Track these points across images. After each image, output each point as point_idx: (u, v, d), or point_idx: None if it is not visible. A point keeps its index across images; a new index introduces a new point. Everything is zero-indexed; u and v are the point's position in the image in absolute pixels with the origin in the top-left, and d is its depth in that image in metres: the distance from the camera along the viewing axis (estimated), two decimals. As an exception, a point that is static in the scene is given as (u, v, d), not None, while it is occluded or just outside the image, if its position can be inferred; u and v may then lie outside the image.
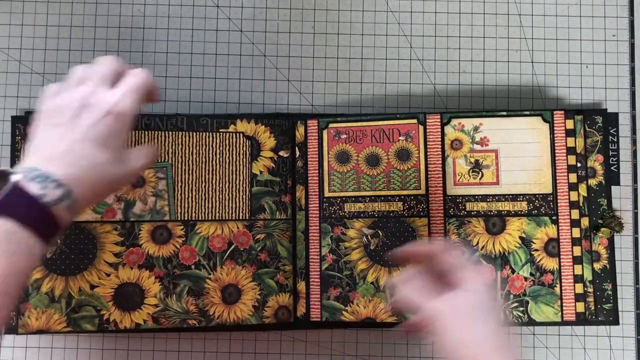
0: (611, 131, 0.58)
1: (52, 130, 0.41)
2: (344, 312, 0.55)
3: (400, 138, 0.56)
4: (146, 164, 0.45)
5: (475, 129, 0.56)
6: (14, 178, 0.37)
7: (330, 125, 0.56)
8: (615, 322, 0.55)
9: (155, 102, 0.47)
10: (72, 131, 0.40)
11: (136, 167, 0.44)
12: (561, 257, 0.55)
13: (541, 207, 0.55)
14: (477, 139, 0.56)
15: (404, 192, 0.56)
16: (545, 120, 0.55)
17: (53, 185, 0.37)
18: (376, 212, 0.56)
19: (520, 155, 0.56)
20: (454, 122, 0.56)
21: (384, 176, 0.56)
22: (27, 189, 0.36)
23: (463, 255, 0.44)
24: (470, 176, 0.56)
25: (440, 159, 0.56)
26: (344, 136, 0.56)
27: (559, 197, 0.56)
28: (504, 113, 0.56)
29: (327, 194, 0.56)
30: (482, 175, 0.56)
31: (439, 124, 0.56)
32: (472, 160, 0.56)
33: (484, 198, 0.56)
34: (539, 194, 0.55)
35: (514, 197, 0.56)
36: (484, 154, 0.56)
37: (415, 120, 0.56)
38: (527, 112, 0.56)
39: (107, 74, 0.43)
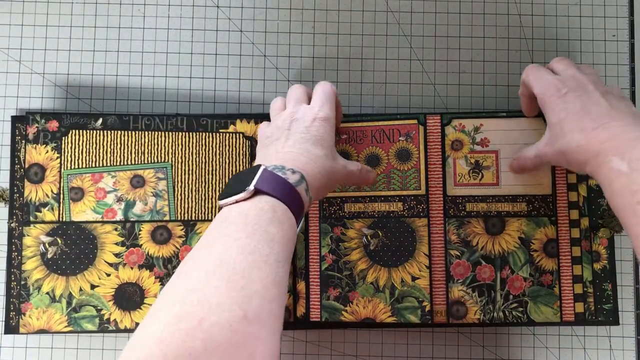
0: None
1: (272, 144, 0.48)
2: (343, 312, 0.55)
3: (401, 138, 0.56)
4: (357, 173, 0.52)
5: (476, 129, 0.56)
6: (261, 167, 0.43)
7: None
8: (615, 322, 0.55)
9: (339, 108, 0.53)
10: (289, 138, 0.47)
11: (347, 167, 0.50)
12: (560, 257, 0.55)
13: (540, 208, 0.55)
14: (478, 139, 0.56)
15: (404, 193, 0.56)
16: (545, 122, 0.55)
17: (290, 172, 0.43)
18: (376, 212, 0.56)
19: None
20: (455, 122, 0.56)
21: (384, 176, 0.56)
22: (275, 173, 0.43)
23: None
24: (470, 177, 0.56)
25: (441, 159, 0.56)
26: (344, 136, 0.56)
27: (557, 198, 0.56)
28: (504, 114, 0.56)
29: (327, 194, 0.56)
30: (482, 176, 0.56)
31: (439, 124, 0.56)
32: (473, 161, 0.56)
33: (484, 199, 0.56)
34: (538, 195, 0.55)
35: (514, 198, 0.56)
36: (484, 154, 0.56)
37: (415, 121, 0.56)
38: None
39: (300, 95, 0.51)
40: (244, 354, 0.32)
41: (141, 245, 0.55)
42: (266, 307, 0.35)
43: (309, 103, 0.51)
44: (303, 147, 0.46)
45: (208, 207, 0.56)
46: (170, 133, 0.56)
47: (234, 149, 0.56)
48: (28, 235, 0.54)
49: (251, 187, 0.41)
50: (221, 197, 0.43)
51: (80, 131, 0.56)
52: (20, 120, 0.56)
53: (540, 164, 0.52)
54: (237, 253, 0.37)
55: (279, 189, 0.42)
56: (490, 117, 0.56)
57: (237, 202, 0.41)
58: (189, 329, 0.31)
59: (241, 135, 0.57)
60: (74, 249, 0.55)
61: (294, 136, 0.47)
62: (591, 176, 0.47)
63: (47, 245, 0.54)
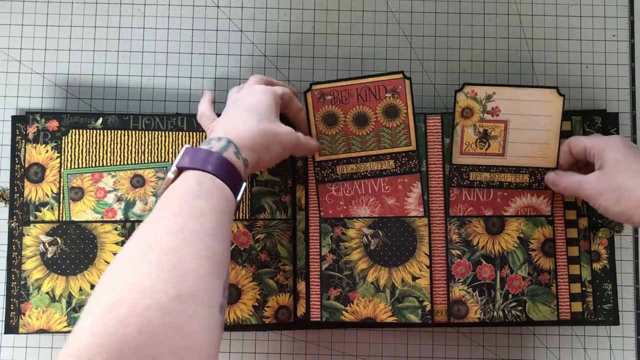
0: (611, 131, 0.58)
1: (226, 115, 0.50)
2: (344, 312, 0.55)
3: (387, 95, 0.55)
4: (304, 139, 0.52)
5: (488, 97, 0.55)
6: (184, 147, 0.44)
7: (314, 87, 0.55)
8: (615, 322, 0.55)
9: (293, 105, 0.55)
10: (225, 114, 0.50)
11: (290, 132, 0.50)
12: (557, 257, 0.55)
13: (542, 180, 0.55)
14: (489, 108, 0.55)
15: (395, 150, 0.55)
16: (560, 94, 0.55)
17: (215, 140, 0.44)
18: (369, 172, 0.55)
19: (530, 127, 0.55)
20: (467, 89, 0.55)
21: (373, 135, 0.55)
22: (199, 148, 0.43)
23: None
24: (477, 146, 0.55)
25: (441, 160, 0.56)
26: (329, 97, 0.55)
27: (555, 198, 0.56)
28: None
29: (318, 158, 0.55)
30: (489, 146, 0.55)
31: (439, 125, 0.56)
32: (481, 129, 0.55)
33: (488, 169, 0.55)
34: (542, 168, 0.55)
35: (517, 169, 0.55)
36: (494, 124, 0.55)
37: (400, 75, 0.55)
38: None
39: (258, 80, 0.53)
40: (179, 333, 0.32)
41: (141, 245, 0.55)
42: (201, 284, 0.35)
43: None
44: (234, 115, 0.48)
45: (208, 207, 0.56)
46: (170, 133, 0.56)
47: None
48: (28, 235, 0.54)
49: (173, 167, 0.42)
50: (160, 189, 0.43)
51: (80, 131, 0.56)
52: (20, 120, 0.56)
53: (575, 193, 0.52)
54: (166, 234, 0.37)
55: (200, 161, 0.42)
56: (503, 86, 0.55)
57: (167, 187, 0.42)
58: (121, 316, 0.32)
59: (241, 135, 0.57)
60: (74, 248, 0.54)
61: (229, 110, 0.50)
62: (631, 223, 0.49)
63: (47, 244, 0.54)
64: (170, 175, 0.42)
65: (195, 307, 0.34)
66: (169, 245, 0.36)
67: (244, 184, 0.44)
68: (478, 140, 0.55)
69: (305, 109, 0.55)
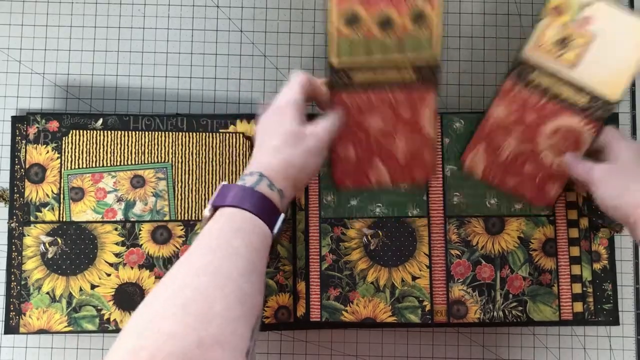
0: (611, 131, 0.58)
1: (257, 140, 0.47)
2: (344, 312, 0.55)
3: None
4: (329, 128, 0.48)
5: (587, 4, 0.52)
6: (220, 185, 0.44)
7: None
8: (615, 322, 0.55)
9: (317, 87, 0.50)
10: (258, 132, 0.47)
11: (318, 129, 0.47)
12: (558, 257, 0.55)
13: (597, 110, 0.52)
14: (582, 15, 0.52)
15: (417, 59, 0.50)
16: None
17: (248, 175, 0.43)
18: (387, 82, 0.51)
19: (612, 52, 0.52)
20: None
21: (397, 42, 0.50)
22: (233, 184, 0.43)
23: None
24: (554, 47, 0.52)
25: (441, 159, 0.56)
26: None
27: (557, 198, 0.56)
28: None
29: (334, 61, 0.49)
30: (565, 53, 0.52)
31: (439, 124, 0.56)
32: (565, 33, 0.52)
33: (553, 75, 0.52)
34: (604, 97, 0.52)
35: (580, 89, 0.52)
36: (580, 32, 0.52)
37: None
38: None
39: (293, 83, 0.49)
40: None
41: (141, 245, 0.55)
42: (227, 328, 0.34)
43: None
44: (259, 140, 0.46)
45: (208, 207, 0.56)
46: (170, 133, 0.56)
47: (234, 149, 0.56)
48: (28, 235, 0.54)
49: (209, 205, 0.42)
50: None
51: (81, 131, 0.56)
52: (20, 121, 0.56)
53: (584, 177, 0.51)
54: (197, 275, 0.36)
55: (234, 198, 0.41)
56: (606, 1, 0.52)
57: (204, 225, 0.41)
58: None
59: (241, 135, 0.57)
60: (74, 249, 0.55)
61: (257, 131, 0.48)
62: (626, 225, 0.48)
63: (47, 245, 0.54)
64: (207, 213, 0.42)
65: (220, 353, 0.33)
66: (198, 287, 0.36)
67: (282, 216, 0.43)
68: (558, 42, 0.52)
69: (328, 7, 0.49)
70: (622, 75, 0.51)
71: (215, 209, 0.42)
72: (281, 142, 0.45)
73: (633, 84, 0.60)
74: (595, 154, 0.53)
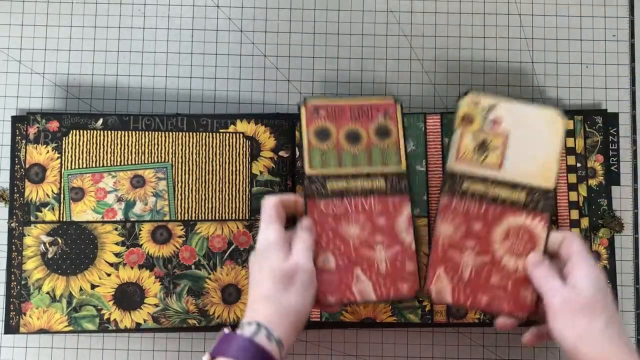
0: (611, 131, 0.58)
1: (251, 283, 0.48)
2: (343, 312, 0.55)
3: (379, 115, 0.54)
4: (307, 247, 0.49)
5: (491, 107, 0.53)
6: (222, 332, 0.45)
7: (308, 102, 0.53)
8: (615, 322, 0.55)
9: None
10: (251, 274, 0.48)
11: (303, 264, 0.47)
12: (561, 257, 0.55)
13: (539, 202, 0.52)
14: (491, 117, 0.53)
15: (386, 170, 0.53)
16: (563, 116, 0.52)
17: (246, 325, 0.44)
18: (359, 190, 0.52)
19: (531, 144, 0.52)
20: (470, 97, 0.53)
21: (365, 153, 0.53)
22: (235, 333, 0.44)
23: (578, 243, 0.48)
24: (474, 154, 0.53)
25: (440, 159, 0.56)
26: (322, 112, 0.53)
27: (558, 198, 0.56)
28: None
29: (308, 171, 0.52)
30: (487, 157, 0.53)
31: (439, 124, 0.56)
32: (481, 138, 0.53)
33: (484, 180, 0.52)
34: (540, 188, 0.52)
35: (514, 186, 0.52)
36: (494, 134, 0.53)
37: (392, 100, 0.54)
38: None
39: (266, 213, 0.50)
40: None
41: (141, 245, 0.55)
42: None
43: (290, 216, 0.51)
44: (253, 284, 0.47)
45: (208, 207, 0.56)
46: (170, 133, 0.56)
47: (234, 149, 0.56)
48: (28, 235, 0.54)
49: (207, 355, 0.43)
50: None
51: (81, 131, 0.56)
52: (20, 120, 0.56)
53: (538, 288, 0.49)
54: None
55: (231, 349, 0.42)
56: (507, 98, 0.53)
57: None
58: None
59: (241, 135, 0.57)
60: (75, 248, 0.55)
61: (251, 273, 0.49)
62: None
63: (47, 245, 0.54)
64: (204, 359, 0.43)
65: None
66: None
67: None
68: (476, 148, 0.53)
69: (299, 123, 0.53)
70: (550, 162, 0.52)
71: (212, 357, 0.43)
72: (272, 288, 0.46)
73: (633, 84, 0.60)
74: (552, 256, 0.50)
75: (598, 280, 0.45)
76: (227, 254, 0.55)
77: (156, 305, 0.54)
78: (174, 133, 0.56)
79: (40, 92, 0.60)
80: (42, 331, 0.54)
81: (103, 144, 0.56)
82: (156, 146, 0.56)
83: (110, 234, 0.55)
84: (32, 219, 0.55)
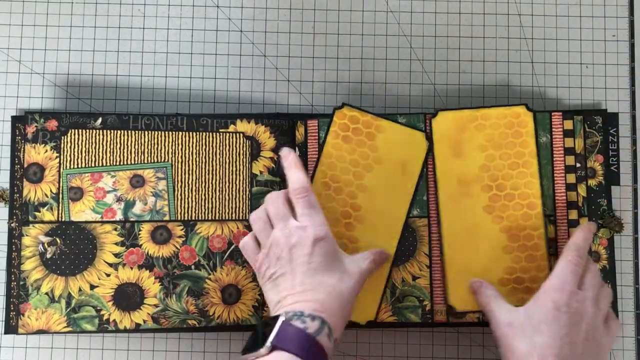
0: (611, 131, 0.58)
1: (280, 280, 0.47)
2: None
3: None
4: (369, 266, 0.50)
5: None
6: (280, 319, 0.43)
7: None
8: (615, 322, 0.55)
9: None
10: (295, 272, 0.46)
11: (361, 270, 0.49)
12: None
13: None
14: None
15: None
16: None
17: (309, 319, 0.43)
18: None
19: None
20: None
21: None
22: (294, 324, 0.42)
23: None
24: None
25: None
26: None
27: (556, 198, 0.56)
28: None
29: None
30: None
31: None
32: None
33: None
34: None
35: None
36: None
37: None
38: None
39: (282, 208, 0.50)
40: None
41: (141, 245, 0.55)
42: None
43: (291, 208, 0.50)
44: (316, 280, 0.46)
45: (208, 207, 0.56)
46: (170, 133, 0.56)
47: (234, 148, 0.56)
48: (27, 235, 0.54)
49: (268, 343, 0.42)
50: (243, 351, 0.43)
51: (80, 131, 0.55)
52: (20, 120, 0.56)
53: (481, 306, 0.51)
54: None
55: (296, 343, 0.41)
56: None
57: (257, 358, 0.42)
58: None
59: (241, 135, 0.57)
60: (73, 249, 0.54)
61: (300, 268, 0.47)
62: None
63: (46, 245, 0.54)
64: (263, 351, 0.42)
65: None
66: None
67: None
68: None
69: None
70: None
71: (272, 348, 0.42)
72: (339, 277, 0.47)
73: (633, 84, 0.60)
74: None
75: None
76: (227, 254, 0.55)
77: (156, 306, 0.54)
78: (173, 133, 0.56)
79: (40, 92, 0.60)
80: (40, 332, 0.54)
81: (102, 144, 0.55)
82: (156, 146, 0.56)
83: (109, 234, 0.55)
84: (31, 218, 0.54)
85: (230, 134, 0.56)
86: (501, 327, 0.47)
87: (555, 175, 0.56)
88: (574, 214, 0.56)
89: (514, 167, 0.55)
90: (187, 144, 0.56)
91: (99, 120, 0.56)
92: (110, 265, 0.54)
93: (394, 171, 0.55)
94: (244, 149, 0.56)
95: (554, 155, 0.56)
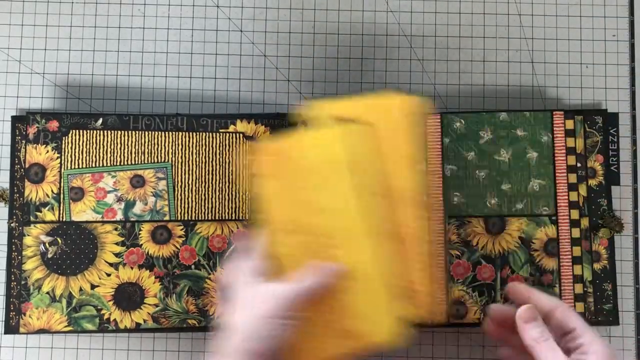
0: (611, 131, 0.58)
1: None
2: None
3: None
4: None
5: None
6: None
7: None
8: (615, 322, 0.55)
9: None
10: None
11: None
12: (561, 257, 0.55)
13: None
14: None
15: None
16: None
17: None
18: None
19: None
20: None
21: None
22: None
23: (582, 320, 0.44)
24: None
25: (440, 160, 0.56)
26: None
27: (558, 197, 0.56)
28: (504, 114, 0.56)
29: None
30: None
31: (440, 124, 0.56)
32: None
33: None
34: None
35: None
36: None
37: None
38: (527, 112, 0.56)
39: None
40: None
41: (141, 245, 0.55)
42: None
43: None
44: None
45: (208, 207, 0.56)
46: (170, 133, 0.56)
47: (234, 149, 0.56)
48: (28, 235, 0.54)
49: None
50: None
51: (81, 131, 0.56)
52: (20, 120, 0.56)
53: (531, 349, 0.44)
54: None
55: None
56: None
57: None
58: None
59: (241, 135, 0.57)
60: (74, 248, 0.55)
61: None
62: None
63: (47, 245, 0.54)
64: None
65: None
66: None
67: None
68: None
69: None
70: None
71: None
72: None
73: (633, 84, 0.60)
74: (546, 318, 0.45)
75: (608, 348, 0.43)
76: (227, 253, 0.55)
77: (156, 305, 0.54)
78: (173, 133, 0.56)
79: (40, 92, 0.60)
80: (41, 331, 0.54)
81: (103, 144, 0.56)
82: (156, 146, 0.56)
83: (110, 234, 0.55)
84: (32, 218, 0.55)
85: (230, 134, 0.56)
86: None
87: (557, 175, 0.56)
88: (575, 214, 0.56)
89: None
90: (187, 144, 0.56)
91: (100, 121, 0.56)
92: (111, 265, 0.55)
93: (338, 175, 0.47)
94: (244, 149, 0.56)
95: (556, 155, 0.56)
